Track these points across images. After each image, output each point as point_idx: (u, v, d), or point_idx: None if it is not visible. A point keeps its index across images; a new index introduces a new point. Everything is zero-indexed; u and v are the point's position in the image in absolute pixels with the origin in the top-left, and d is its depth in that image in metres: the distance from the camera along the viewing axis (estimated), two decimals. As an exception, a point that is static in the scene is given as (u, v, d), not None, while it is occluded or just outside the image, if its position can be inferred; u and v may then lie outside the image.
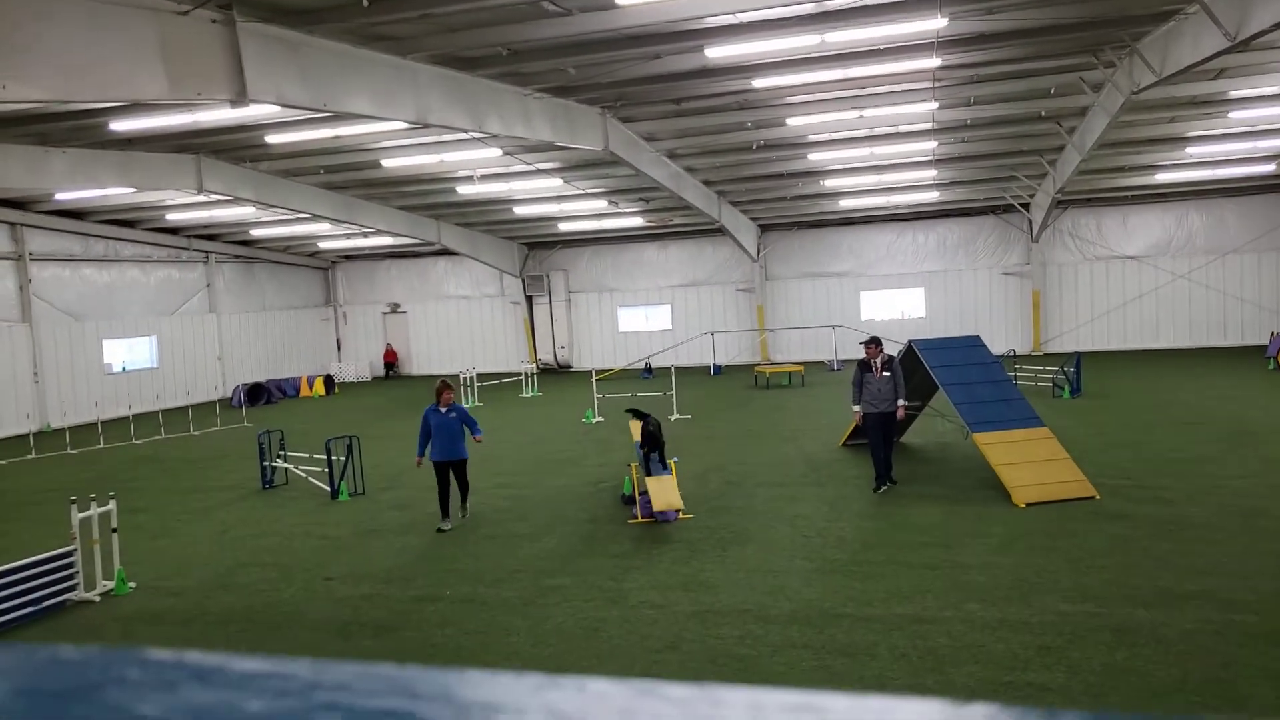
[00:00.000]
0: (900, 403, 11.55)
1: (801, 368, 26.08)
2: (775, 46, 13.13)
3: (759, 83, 15.31)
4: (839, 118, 18.19)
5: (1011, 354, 24.02)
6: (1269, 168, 24.66)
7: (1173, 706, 5.39)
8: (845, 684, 6.07)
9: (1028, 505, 10.39)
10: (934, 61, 14.16)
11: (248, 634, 7.92)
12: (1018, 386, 15.32)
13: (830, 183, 25.13)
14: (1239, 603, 7.05)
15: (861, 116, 18.09)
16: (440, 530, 11.22)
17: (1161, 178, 25.55)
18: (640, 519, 10.95)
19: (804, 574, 8.53)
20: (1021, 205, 28.66)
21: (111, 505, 9.71)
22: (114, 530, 9.67)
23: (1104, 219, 29.48)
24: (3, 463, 18.87)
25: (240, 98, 9.19)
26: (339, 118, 14.97)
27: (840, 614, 7.42)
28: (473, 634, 7.58)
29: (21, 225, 24.08)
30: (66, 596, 9.04)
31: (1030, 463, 11.05)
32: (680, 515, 10.95)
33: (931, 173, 24.41)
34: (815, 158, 22.09)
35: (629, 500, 11.66)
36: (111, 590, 9.36)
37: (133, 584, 9.54)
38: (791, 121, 18.38)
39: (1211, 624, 6.65)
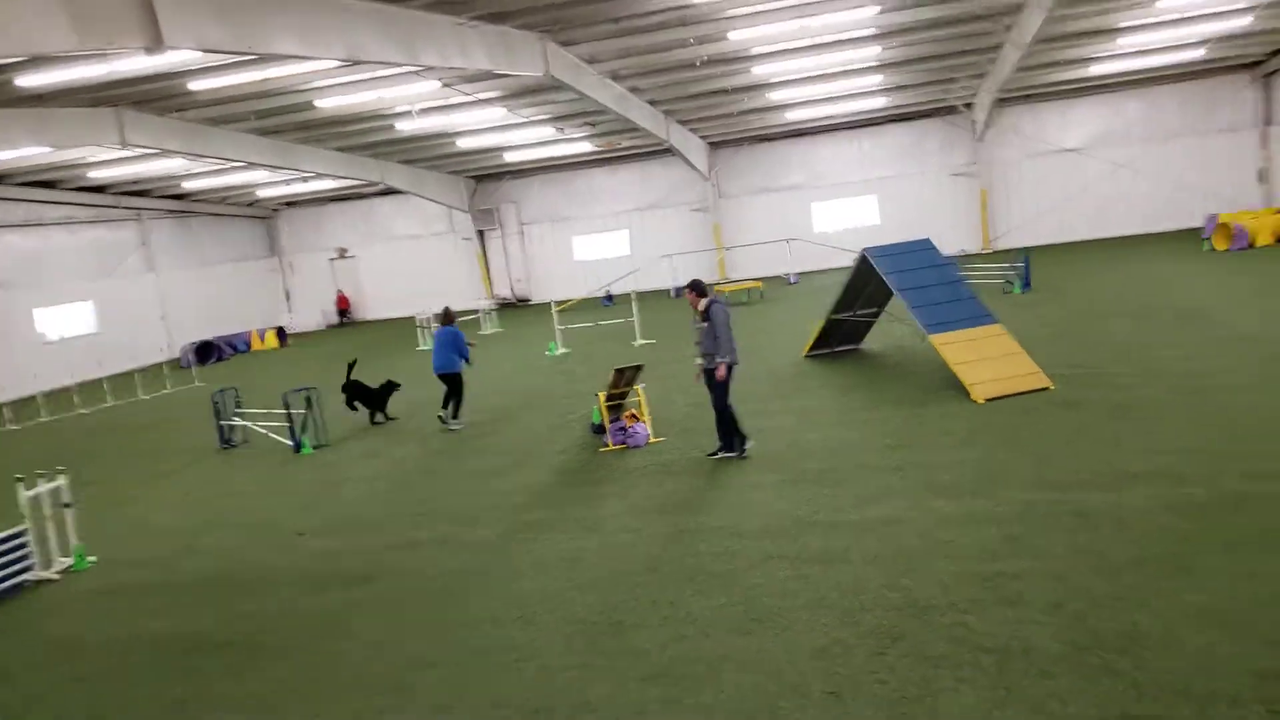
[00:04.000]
0: (719, 360, 9.53)
1: (760, 284, 26.14)
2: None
3: (696, -5, 14.93)
4: (781, 29, 17.86)
5: (962, 254, 24.25)
6: (1199, 53, 24.83)
7: (1132, 583, 5.61)
8: (820, 587, 6.23)
9: (987, 401, 10.61)
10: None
11: (216, 599, 7.86)
12: (969, 286, 15.54)
13: (776, 95, 24.82)
14: (1188, 477, 7.31)
15: (803, 26, 17.78)
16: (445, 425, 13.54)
17: (1096, 69, 25.63)
18: (612, 446, 11.02)
19: (775, 486, 8.67)
20: (965, 106, 28.62)
21: (61, 481, 9.50)
22: (66, 505, 9.44)
23: (1043, 114, 29.59)
24: (-54, 442, 18.36)
25: (156, 44, 8.70)
26: (265, 60, 14.30)
27: (813, 522, 7.57)
28: (450, 574, 7.62)
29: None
30: (24, 578, 8.83)
31: (986, 359, 11.26)
32: (651, 440, 11.03)
33: (876, 78, 24.20)
34: (760, 71, 21.75)
35: (599, 430, 11.71)
36: (71, 567, 9.19)
37: (93, 558, 9.37)
38: (733, 35, 18.01)
39: (1164, 500, 6.90)
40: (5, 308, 24.88)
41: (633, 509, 8.63)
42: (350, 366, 15.34)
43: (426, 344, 24.64)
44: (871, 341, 15.37)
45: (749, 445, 9.87)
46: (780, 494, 8.42)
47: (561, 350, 20.31)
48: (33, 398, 22.17)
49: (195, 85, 16.35)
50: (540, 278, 34.73)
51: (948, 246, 28.95)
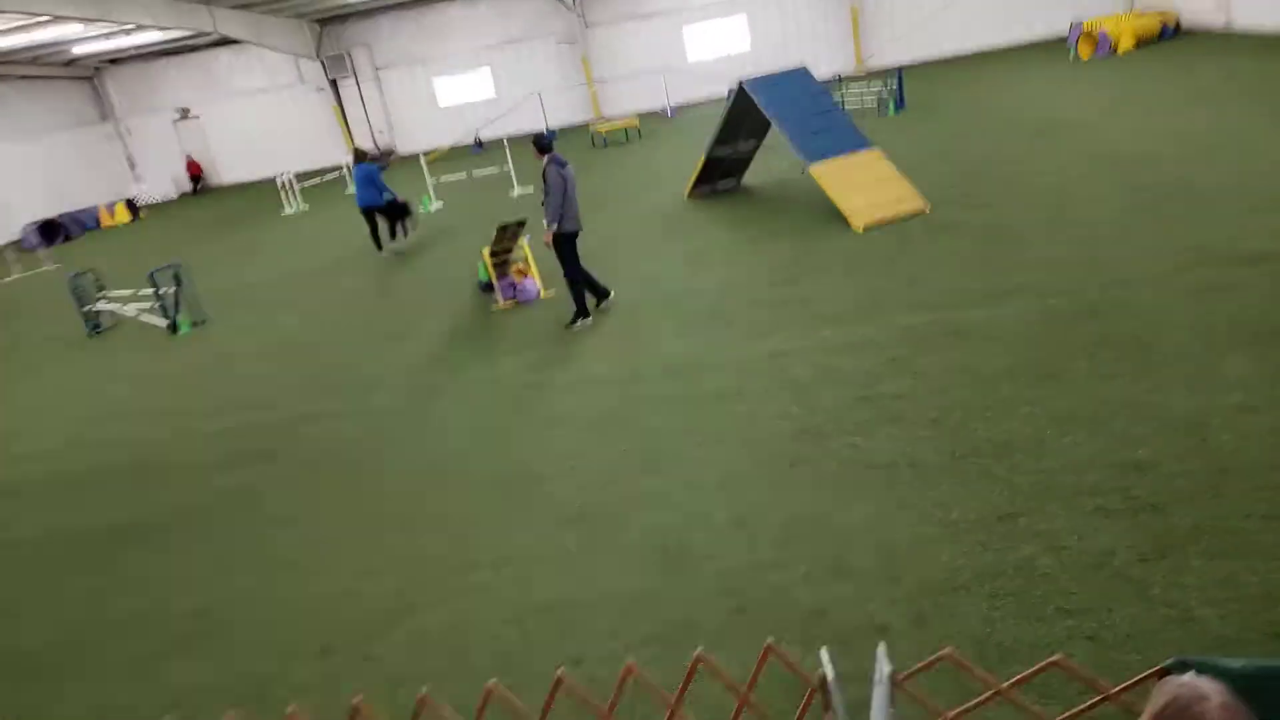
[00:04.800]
0: (550, 226, 9.16)
1: (637, 121, 25.61)
2: None
3: None
4: None
5: (838, 78, 24.24)
6: None
7: (1005, 394, 6.11)
8: (718, 423, 6.55)
9: (866, 229, 10.96)
10: None
11: (121, 487, 7.70)
12: (846, 110, 15.68)
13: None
14: (1052, 289, 7.85)
15: None
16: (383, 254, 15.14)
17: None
18: (503, 304, 10.96)
19: (668, 331, 8.87)
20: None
21: (-75, 384, 8.90)
22: (-64, 410, 8.94)
23: (912, -77, 29.11)
24: None
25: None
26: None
27: (707, 363, 7.84)
28: (355, 444, 7.63)
29: None
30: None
31: (864, 186, 11.53)
32: (542, 294, 11.01)
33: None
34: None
35: (487, 287, 11.58)
36: (-47, 471, 8.80)
37: (-24, 459, 8.99)
38: None
39: (1031, 312, 7.43)
40: None
41: (532, 365, 8.73)
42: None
43: (293, 208, 23.44)
44: (752, 176, 15.47)
45: (609, 299, 9.78)
46: (675, 336, 8.65)
47: (436, 205, 19.68)
48: None
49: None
50: (404, 127, 33.07)
51: (821, 68, 28.91)
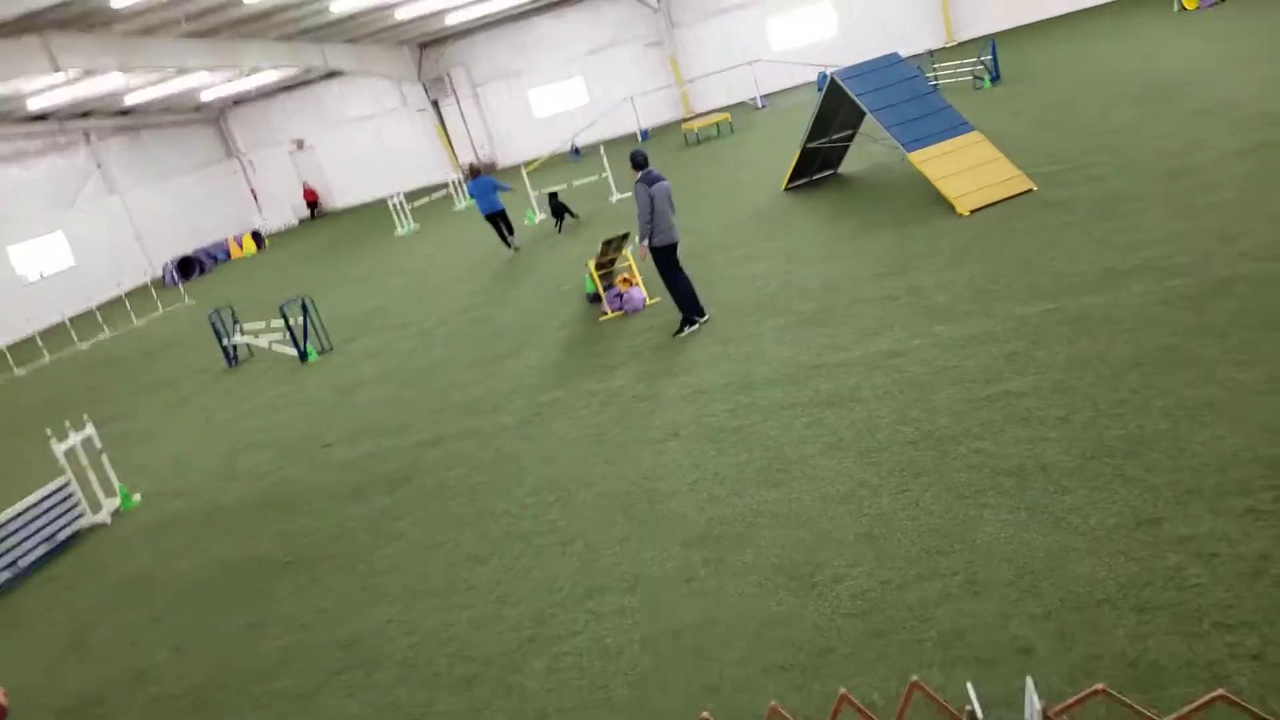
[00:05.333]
0: (640, 243, 9.41)
1: (727, 115, 25.51)
2: None
3: None
4: None
5: (929, 54, 23.53)
6: None
7: (1134, 385, 5.88)
8: (835, 431, 6.53)
9: (972, 213, 10.67)
10: None
11: (266, 520, 8.22)
12: (939, 91, 15.23)
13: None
14: (1176, 268, 7.48)
15: None
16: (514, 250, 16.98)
17: None
18: (610, 314, 11.16)
19: (775, 332, 8.87)
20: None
21: (90, 429, 9.71)
22: (101, 451, 9.74)
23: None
24: (-43, 401, 18.51)
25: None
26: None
27: (818, 365, 7.81)
28: (483, 467, 7.93)
29: None
30: (77, 525, 9.23)
31: (967, 170, 11.22)
32: (648, 302, 11.16)
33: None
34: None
35: (594, 299, 11.82)
36: (119, 508, 9.57)
37: (137, 496, 9.74)
38: None
39: (1156, 295, 7.10)
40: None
41: (643, 376, 8.87)
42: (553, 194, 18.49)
43: (404, 228, 24.36)
44: (850, 164, 15.23)
45: (700, 321, 9.72)
46: (782, 340, 8.63)
47: (540, 216, 20.10)
48: (31, 339, 22.17)
49: (117, 3, 15.47)
50: (503, 139, 33.86)
51: (911, 46, 28.13)
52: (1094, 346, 6.56)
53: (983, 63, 19.88)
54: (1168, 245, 8.01)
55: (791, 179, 15.01)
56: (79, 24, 17.74)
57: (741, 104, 29.22)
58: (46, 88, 22.01)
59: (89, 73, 19.54)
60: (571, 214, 18.51)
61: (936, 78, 20.88)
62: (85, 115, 27.78)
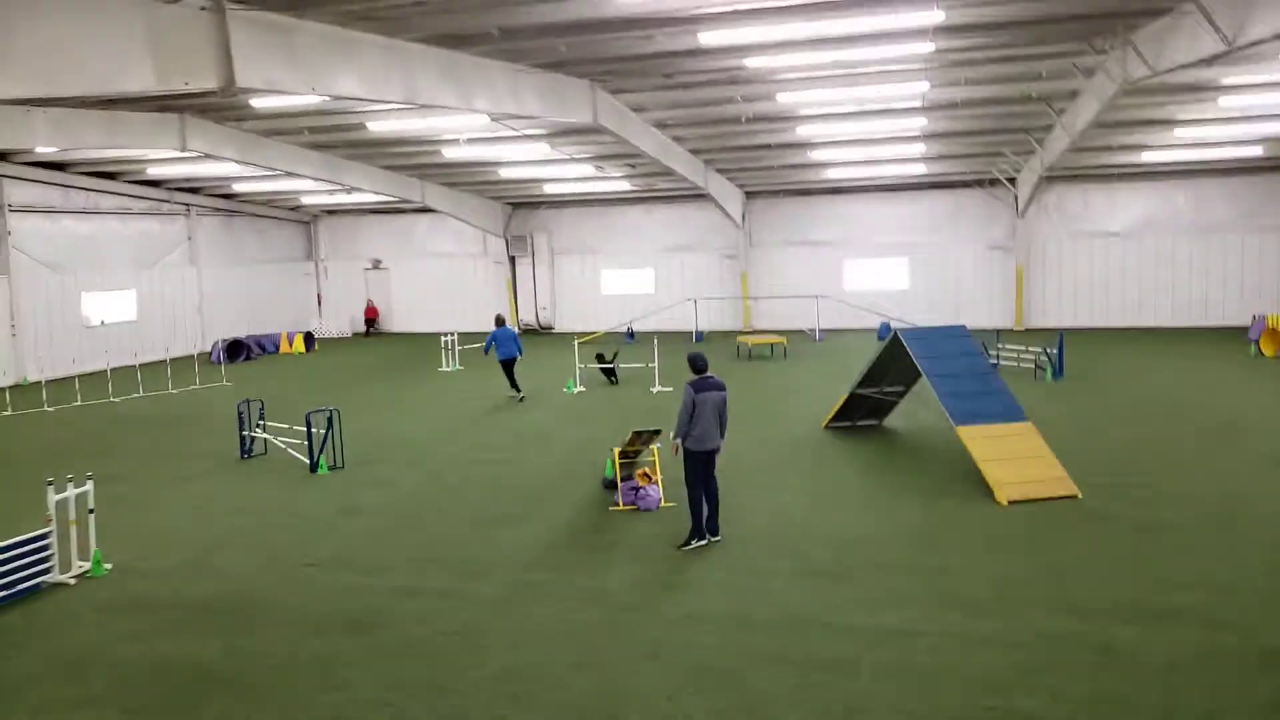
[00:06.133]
0: (674, 439, 9.53)
1: (784, 339, 26.04)
2: (769, 34, 12.93)
3: (751, 62, 15.07)
4: (829, 95, 17.97)
5: (996, 334, 24.04)
6: (1256, 151, 24.66)
7: (1151, 739, 5.44)
8: (825, 698, 6.09)
9: (1010, 504, 10.44)
10: (928, 47, 13.96)
11: (222, 627, 7.84)
12: (999, 371, 15.38)
13: (817, 154, 24.91)
14: (1220, 621, 7.10)
15: (852, 94, 17.86)
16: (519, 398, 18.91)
17: (1149, 157, 25.51)
18: (621, 507, 10.93)
19: (786, 576, 8.53)
20: (1008, 180, 28.55)
21: (88, 486, 9.55)
22: (90, 511, 9.53)
23: (1090, 195, 29.45)
24: (-25, 421, 18.57)
25: (229, 86, 8.93)
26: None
27: (824, 623, 7.43)
28: (450, 635, 7.53)
29: (1, 176, 23.49)
30: (42, 580, 8.92)
31: (1013, 459, 11.09)
32: (663, 503, 10.93)
33: (920, 147, 24.24)
34: (804, 131, 21.84)
35: (610, 485, 11.62)
36: (87, 572, 9.25)
37: (108, 565, 9.42)
38: (782, 97, 18.11)
39: (1194, 645, 6.70)
40: (56, 290, 25.34)
41: (638, 583, 8.52)
42: (600, 357, 21.62)
43: (449, 366, 24.71)
44: (895, 419, 15.22)
45: (709, 541, 9.44)
46: (791, 586, 8.29)
47: (579, 388, 20.28)
48: (71, 380, 22.45)
49: (257, 103, 16.69)
50: (565, 307, 34.82)
51: (979, 319, 28.88)
52: (1119, 687, 6.13)
53: (1048, 355, 20.13)
54: (1213, 593, 7.65)
55: (834, 418, 15.01)
56: (215, 113, 19.11)
57: (800, 331, 29.90)
58: (168, 160, 23.43)
59: (209, 156, 20.78)
60: (612, 375, 20.91)
61: (999, 359, 21.19)
62: (192, 191, 29.37)
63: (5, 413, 19.26)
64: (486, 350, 19.24)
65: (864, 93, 17.74)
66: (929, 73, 16.43)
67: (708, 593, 8.20)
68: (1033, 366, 20.50)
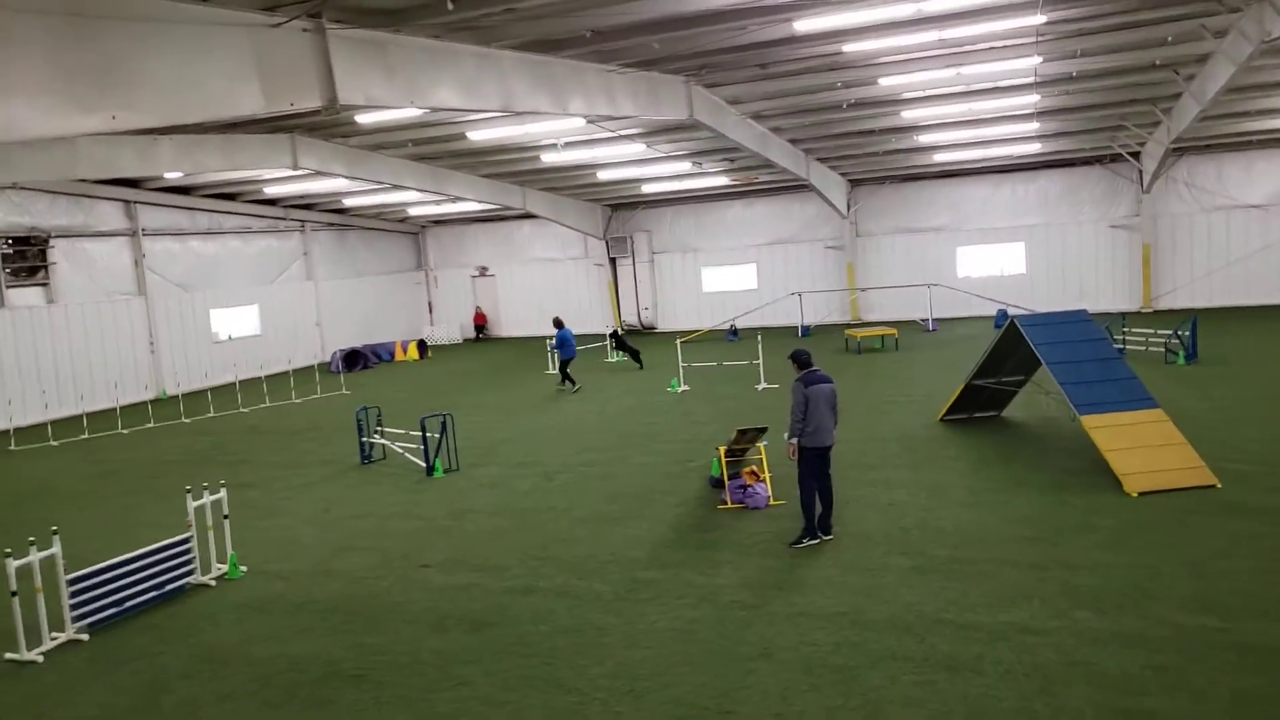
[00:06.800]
0: (789, 440, 9.29)
1: (895, 330, 25.38)
2: (868, 17, 12.63)
3: (850, 48, 14.73)
4: (934, 76, 17.39)
5: (1121, 317, 22.81)
6: None
7: (1308, 747, 5.07)
8: (946, 701, 5.90)
9: (1140, 495, 9.89)
10: (1038, 19, 13.34)
11: (349, 626, 8.17)
12: (1125, 357, 14.56)
13: (924, 138, 24.16)
14: (1381, 619, 6.57)
15: (959, 74, 17.25)
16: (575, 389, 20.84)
17: (1291, 121, 23.69)
18: (730, 505, 10.87)
19: (901, 572, 8.32)
20: (1130, 154, 27.04)
21: (223, 494, 10.12)
22: (225, 517, 10.10)
23: (1225, 166, 27.57)
24: (126, 432, 19.92)
25: (331, 104, 9.33)
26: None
27: (941, 620, 7.21)
28: (566, 632, 7.65)
29: (135, 203, 25.19)
30: (186, 581, 9.52)
31: (1143, 448, 10.50)
32: (771, 502, 10.82)
33: (1033, 125, 23.20)
34: (909, 115, 21.22)
35: (717, 483, 11.58)
36: (225, 574, 9.81)
37: (244, 568, 9.97)
38: (884, 81, 17.65)
39: (1352, 644, 6.22)
40: (187, 308, 27.01)
41: (748, 582, 8.46)
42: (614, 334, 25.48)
43: (553, 369, 25.16)
44: (1014, 410, 14.63)
45: (821, 539, 9.24)
46: (907, 582, 8.07)
47: (683, 388, 20.27)
48: (204, 392, 23.91)
49: (362, 119, 17.34)
50: (667, 306, 34.87)
51: (1103, 303, 27.48)
52: (1267, 688, 5.73)
53: (1179, 337, 18.97)
54: (1370, 589, 7.08)
55: (950, 411, 14.55)
56: (323, 131, 20.02)
57: (912, 322, 29.08)
58: (282, 179, 24.65)
59: (319, 173, 21.74)
60: (635, 357, 23.39)
61: (1125, 344, 20.11)
62: (306, 208, 30.79)
63: (148, 425, 20.60)
64: (558, 349, 21.43)
65: (971, 71, 17.12)
66: (1040, 46, 15.69)
67: (820, 591, 8.07)
68: (1163, 350, 19.35)
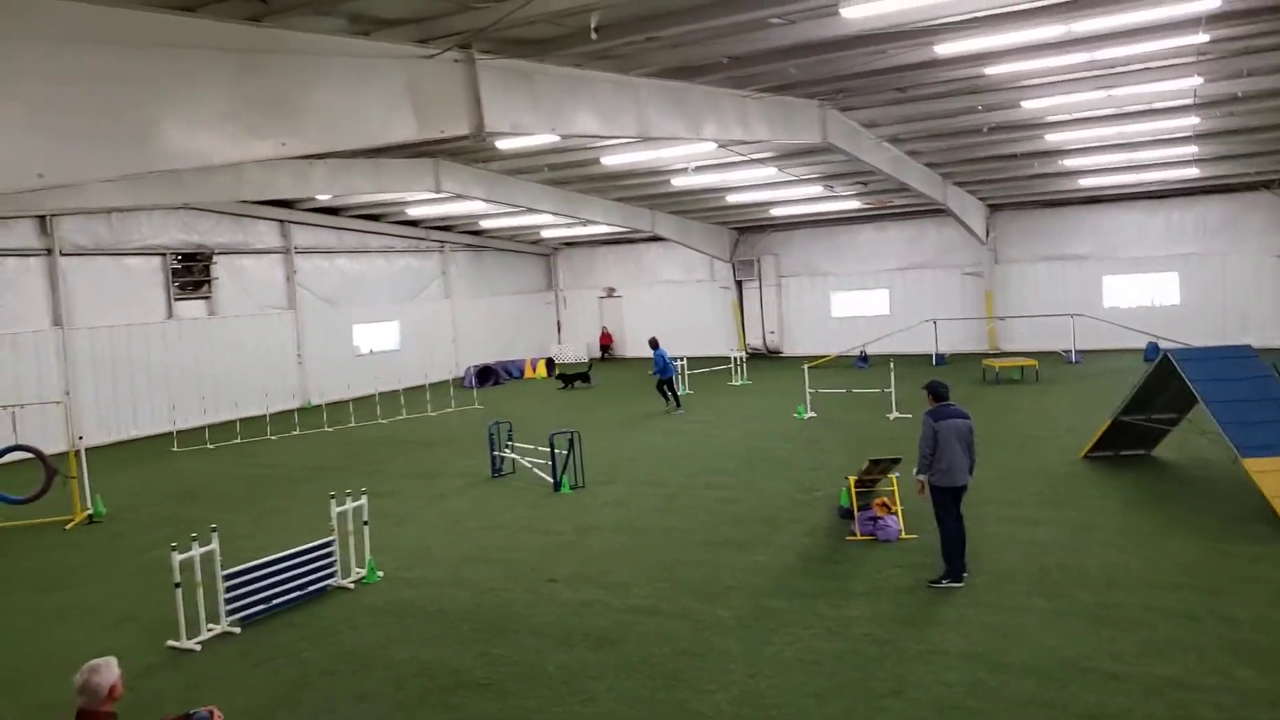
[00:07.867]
0: (917, 475, 8.99)
1: (1035, 361, 24.31)
2: (1014, 39, 12.26)
3: (992, 70, 14.31)
4: (1083, 98, 16.67)
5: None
6: None
7: None
8: (1092, 755, 5.59)
9: (1313, 547, 9.13)
10: (1200, 38, 12.61)
11: (477, 635, 8.42)
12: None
13: (1070, 162, 23.15)
14: None
15: (1110, 96, 16.48)
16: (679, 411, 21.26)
17: None
18: (859, 536, 10.63)
19: (1042, 615, 7.94)
20: (1303, 179, 25.12)
21: (363, 501, 10.63)
22: (365, 523, 10.60)
23: None
24: (274, 438, 21.20)
25: (479, 131, 9.78)
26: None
27: (1085, 668, 6.83)
28: (690, 655, 7.65)
29: (288, 222, 26.92)
30: (328, 583, 10.04)
31: (1316, 496, 9.70)
32: (903, 535, 10.52)
33: (1191, 149, 21.87)
34: (1053, 138, 20.39)
35: (846, 514, 11.35)
36: (363, 578, 10.28)
37: (380, 573, 10.42)
38: (1027, 104, 17.04)
39: None
40: (332, 322, 28.64)
41: (879, 616, 8.25)
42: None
43: (679, 390, 25.26)
44: (1165, 449, 13.75)
45: (953, 585, 8.77)
46: (1049, 626, 7.70)
47: (810, 414, 19.98)
48: (346, 403, 25.25)
49: (502, 144, 18.04)
50: (793, 331, 34.48)
51: (1268, 338, 25.53)
52: None
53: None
54: None
55: (1094, 448, 13.80)
56: (465, 156, 20.94)
57: (1053, 353, 27.78)
58: (425, 201, 25.87)
59: (460, 196, 22.70)
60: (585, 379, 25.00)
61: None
62: (445, 229, 32.19)
63: (294, 432, 21.85)
64: (660, 370, 21.76)
65: (1124, 93, 16.32)
66: (1201, 65, 14.83)
67: (954, 629, 7.79)
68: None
